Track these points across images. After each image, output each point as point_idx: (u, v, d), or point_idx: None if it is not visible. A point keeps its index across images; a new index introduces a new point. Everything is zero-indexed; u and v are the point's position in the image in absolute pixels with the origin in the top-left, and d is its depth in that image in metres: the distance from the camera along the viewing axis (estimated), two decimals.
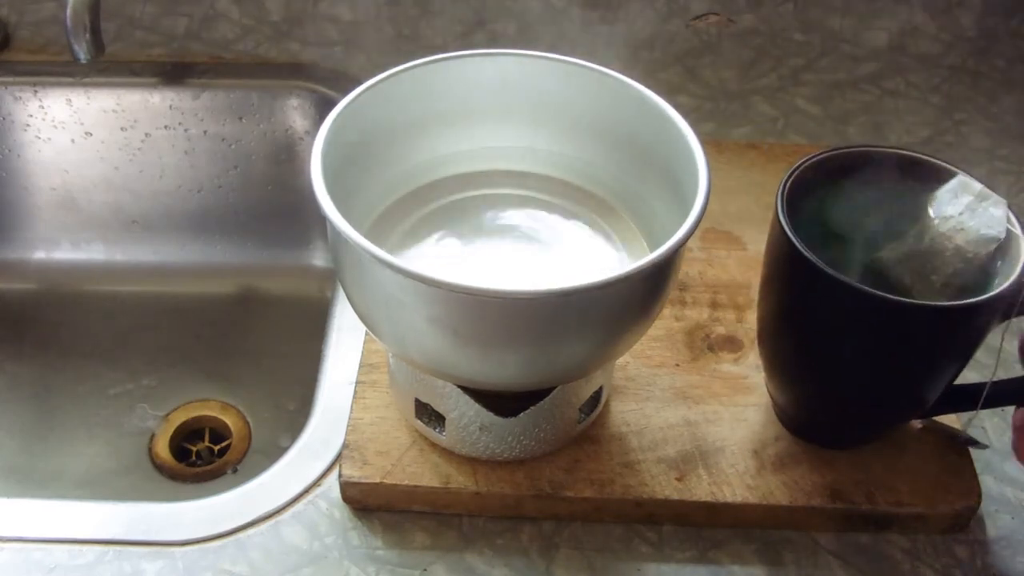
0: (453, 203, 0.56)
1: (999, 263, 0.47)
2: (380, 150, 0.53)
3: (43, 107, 0.79)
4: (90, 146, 0.80)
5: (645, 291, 0.46)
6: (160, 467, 0.72)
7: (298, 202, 0.81)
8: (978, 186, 0.47)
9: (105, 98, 0.78)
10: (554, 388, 0.51)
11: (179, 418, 0.75)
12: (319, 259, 0.83)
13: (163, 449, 0.73)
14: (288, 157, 0.80)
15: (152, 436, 0.74)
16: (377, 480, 0.52)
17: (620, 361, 0.58)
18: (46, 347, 0.79)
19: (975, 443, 0.54)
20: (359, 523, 0.53)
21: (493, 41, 0.82)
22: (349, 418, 0.55)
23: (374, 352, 0.58)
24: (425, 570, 0.51)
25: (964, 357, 0.49)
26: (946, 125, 0.79)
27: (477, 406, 0.51)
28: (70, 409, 0.75)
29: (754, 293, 0.62)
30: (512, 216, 0.55)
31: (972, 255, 0.46)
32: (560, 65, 0.53)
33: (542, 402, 0.51)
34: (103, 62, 0.73)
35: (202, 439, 0.75)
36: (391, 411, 0.55)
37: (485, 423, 0.51)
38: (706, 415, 0.56)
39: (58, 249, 0.83)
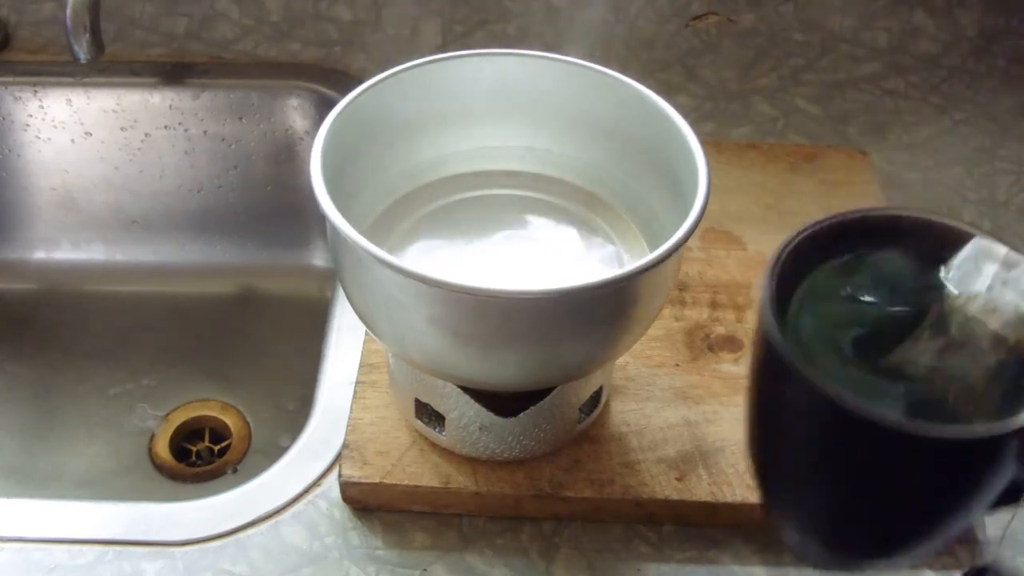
0: (453, 203, 0.56)
1: None
2: (380, 150, 0.53)
3: (43, 107, 0.79)
4: (90, 146, 0.80)
5: (645, 291, 0.46)
6: (160, 467, 0.72)
7: (298, 202, 0.81)
8: (1002, 249, 0.37)
9: (105, 98, 0.78)
10: (554, 388, 0.51)
11: (179, 418, 0.75)
12: (319, 259, 0.83)
13: (163, 449, 0.73)
14: (288, 157, 0.80)
15: (152, 436, 0.74)
16: (377, 480, 0.52)
17: (620, 361, 0.58)
18: (46, 347, 0.79)
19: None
20: (359, 523, 0.53)
21: (493, 41, 0.82)
22: (349, 418, 0.55)
23: (374, 352, 0.58)
24: (425, 570, 0.51)
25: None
26: (946, 125, 0.79)
27: (477, 406, 0.51)
28: (70, 409, 0.75)
29: (755, 293, 0.62)
30: (512, 216, 0.55)
31: (1015, 341, 0.35)
32: (560, 65, 0.53)
33: (542, 402, 0.51)
34: (103, 62, 0.73)
35: (202, 439, 0.75)
36: (391, 411, 0.55)
37: (485, 423, 0.51)
38: (706, 415, 0.56)
39: (58, 249, 0.83)
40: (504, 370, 0.47)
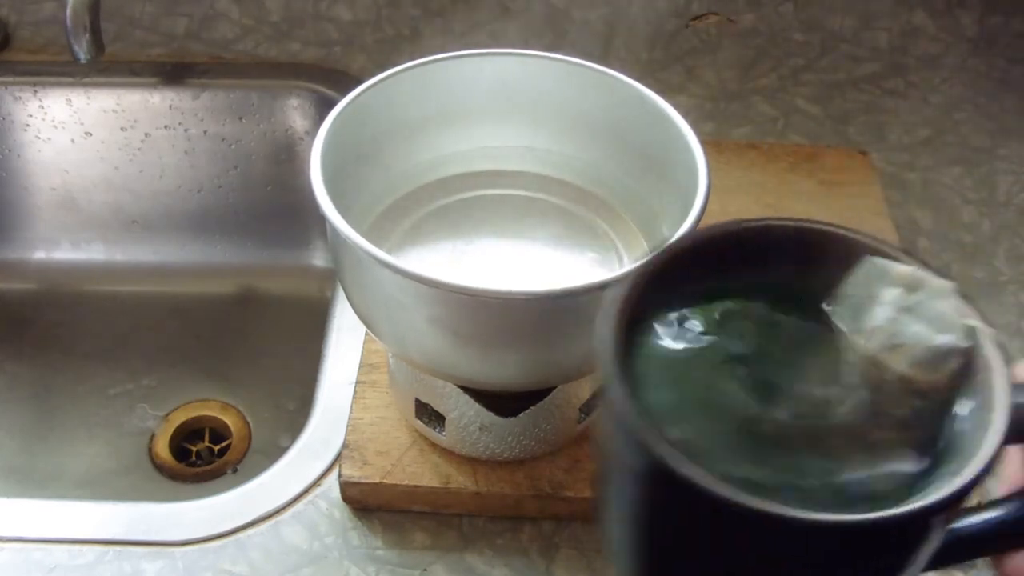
0: (453, 203, 0.56)
1: (969, 390, 0.28)
2: (380, 150, 0.53)
3: (43, 107, 0.79)
4: (90, 146, 0.80)
5: None
6: (160, 467, 0.72)
7: (298, 202, 0.81)
8: (902, 268, 0.28)
9: (105, 98, 0.78)
10: (554, 388, 0.51)
11: (179, 418, 0.75)
12: (319, 259, 0.83)
13: (163, 449, 0.73)
14: (288, 157, 0.80)
15: (152, 436, 0.74)
16: (377, 480, 0.52)
17: None
18: (46, 347, 0.79)
19: None
20: (359, 523, 0.53)
21: (493, 41, 0.82)
22: (349, 418, 0.55)
23: (374, 352, 0.58)
24: (425, 570, 0.51)
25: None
26: (946, 125, 0.79)
27: (477, 406, 0.51)
28: (70, 409, 0.75)
29: None
30: (512, 216, 0.55)
31: (927, 383, 0.28)
32: (560, 65, 0.53)
33: (542, 402, 0.51)
34: (103, 62, 0.73)
35: (202, 439, 0.75)
36: (391, 411, 0.55)
37: (485, 423, 0.51)
38: None
39: (58, 249, 0.83)
40: (504, 370, 0.47)
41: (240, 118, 0.79)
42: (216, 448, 0.74)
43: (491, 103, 0.55)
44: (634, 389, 0.27)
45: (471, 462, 0.53)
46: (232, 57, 0.81)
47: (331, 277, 0.78)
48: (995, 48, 0.84)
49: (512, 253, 0.53)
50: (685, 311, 0.30)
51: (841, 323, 0.29)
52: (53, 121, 0.79)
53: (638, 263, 0.30)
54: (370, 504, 0.53)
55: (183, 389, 0.77)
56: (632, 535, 0.30)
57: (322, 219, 0.45)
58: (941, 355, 0.27)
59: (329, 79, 0.79)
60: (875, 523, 0.24)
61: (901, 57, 0.83)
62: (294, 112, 0.79)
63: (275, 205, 0.82)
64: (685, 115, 0.50)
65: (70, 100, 0.78)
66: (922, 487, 0.26)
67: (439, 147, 0.56)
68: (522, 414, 0.51)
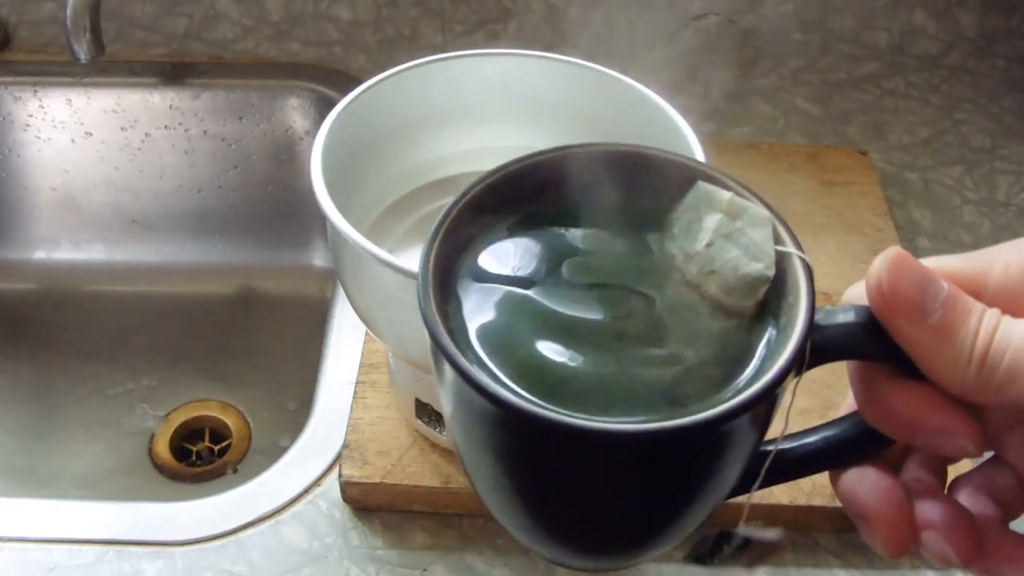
0: None
1: (778, 312, 0.29)
2: (380, 150, 0.53)
3: (43, 107, 0.79)
4: (90, 146, 0.80)
5: None
6: (160, 467, 0.72)
7: (298, 202, 0.81)
8: (726, 194, 0.29)
9: (105, 98, 0.78)
10: None
11: (179, 418, 0.75)
12: (319, 259, 0.83)
13: (163, 449, 0.73)
14: (288, 157, 0.80)
15: (152, 436, 0.74)
16: (377, 480, 0.52)
17: None
18: (46, 347, 0.79)
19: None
20: (359, 523, 0.53)
21: (493, 41, 0.82)
22: (349, 418, 0.55)
23: (374, 352, 0.58)
24: (425, 570, 0.51)
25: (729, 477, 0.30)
26: (946, 125, 0.79)
27: None
28: (70, 409, 0.75)
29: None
30: None
31: (736, 307, 0.29)
32: (560, 65, 0.53)
33: None
34: (103, 62, 0.73)
35: (202, 439, 0.75)
36: (391, 411, 0.55)
37: None
38: None
39: (58, 249, 0.83)
40: None
41: (240, 118, 0.79)
42: (216, 448, 0.74)
43: (491, 103, 0.55)
44: (449, 312, 0.30)
45: None
46: (232, 57, 0.81)
47: (331, 277, 0.78)
48: (995, 48, 0.84)
49: None
50: (510, 234, 0.31)
51: (671, 244, 0.30)
52: (53, 121, 0.79)
53: (461, 193, 0.31)
54: (370, 504, 0.53)
55: (183, 389, 0.77)
56: (469, 454, 0.31)
57: (322, 219, 0.45)
58: (750, 281, 0.29)
59: (329, 79, 0.79)
60: (662, 431, 0.26)
61: (901, 57, 0.83)
62: (294, 112, 0.79)
63: (275, 205, 0.82)
64: (685, 115, 0.50)
65: (70, 100, 0.78)
66: (724, 402, 0.26)
67: (439, 147, 0.56)
68: None
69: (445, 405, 0.31)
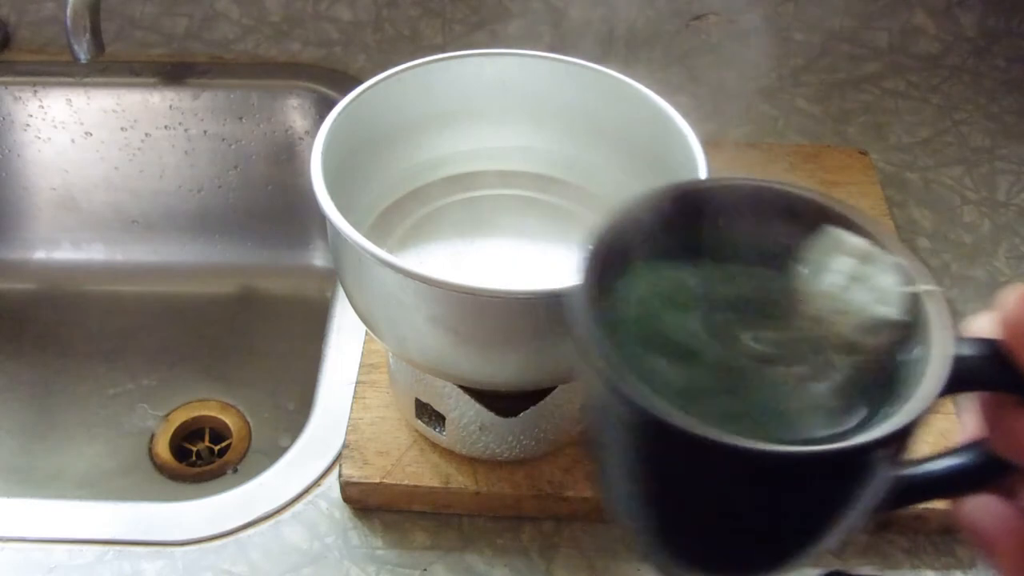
0: (453, 203, 0.56)
1: (910, 351, 0.30)
2: (380, 150, 0.53)
3: (43, 107, 0.79)
4: (90, 146, 0.80)
5: None
6: (160, 467, 0.72)
7: (298, 202, 0.81)
8: (859, 242, 0.31)
9: (105, 98, 0.78)
10: (554, 388, 0.51)
11: (179, 418, 0.75)
12: (319, 259, 0.83)
13: (163, 449, 0.73)
14: (288, 157, 0.80)
15: (152, 436, 0.74)
16: (377, 480, 0.52)
17: None
18: (46, 347, 0.79)
19: None
20: (359, 523, 0.53)
21: (493, 41, 0.82)
22: (349, 418, 0.55)
23: (374, 352, 0.58)
24: (425, 570, 0.51)
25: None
26: (946, 125, 0.79)
27: (477, 406, 0.51)
28: (70, 409, 0.75)
29: None
30: (512, 216, 0.55)
31: (867, 346, 0.30)
32: (560, 65, 0.53)
33: (542, 402, 0.51)
34: (103, 62, 0.73)
35: (202, 439, 0.75)
36: (391, 411, 0.55)
37: (485, 423, 0.51)
38: None
39: (58, 249, 0.83)
40: (504, 370, 0.46)
41: (240, 118, 0.79)
42: (216, 448, 0.74)
43: (491, 103, 0.55)
44: (604, 331, 0.30)
45: (471, 462, 0.53)
46: (232, 57, 0.81)
47: (331, 277, 0.78)
48: (995, 48, 0.84)
49: (512, 253, 0.53)
50: (656, 262, 0.33)
51: (802, 281, 0.31)
52: (53, 121, 0.79)
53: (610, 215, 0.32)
54: (370, 504, 0.53)
55: (183, 389, 0.77)
56: (613, 471, 0.32)
57: (322, 219, 0.45)
58: (879, 325, 0.30)
59: (329, 79, 0.79)
60: (822, 454, 0.27)
61: (901, 57, 0.83)
62: (294, 112, 0.79)
63: (275, 205, 0.82)
64: (685, 115, 0.50)
65: (70, 100, 0.78)
66: (865, 431, 0.28)
67: (439, 147, 0.56)
68: (522, 414, 0.51)
69: (591, 413, 0.32)
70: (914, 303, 0.30)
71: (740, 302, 0.32)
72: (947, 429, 0.52)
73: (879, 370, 0.30)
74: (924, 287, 0.30)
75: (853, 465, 0.28)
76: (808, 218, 0.32)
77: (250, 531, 0.53)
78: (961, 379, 0.28)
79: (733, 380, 0.30)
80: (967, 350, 0.28)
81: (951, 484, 0.32)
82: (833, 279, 0.31)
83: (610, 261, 0.31)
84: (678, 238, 0.33)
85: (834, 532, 0.30)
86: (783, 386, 0.30)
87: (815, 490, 0.28)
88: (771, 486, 0.28)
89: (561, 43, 0.82)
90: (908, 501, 0.32)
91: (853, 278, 0.31)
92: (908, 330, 0.30)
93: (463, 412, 0.51)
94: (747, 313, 0.32)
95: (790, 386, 0.30)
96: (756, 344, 0.31)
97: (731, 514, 0.30)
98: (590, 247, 0.31)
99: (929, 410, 0.27)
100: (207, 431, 0.75)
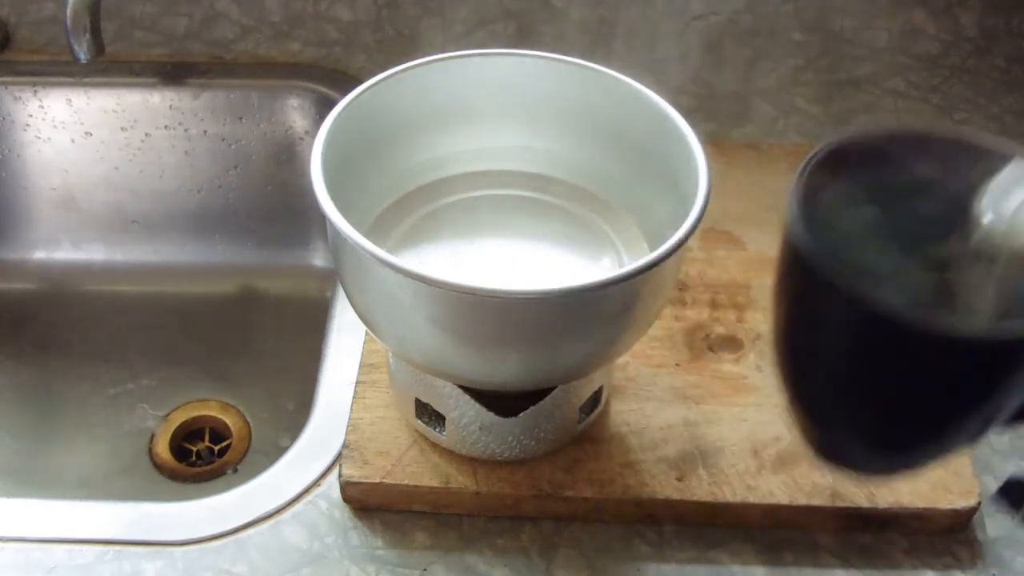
0: (453, 203, 0.56)
1: None
2: (380, 150, 0.53)
3: (43, 107, 0.79)
4: (90, 146, 0.80)
5: (645, 291, 0.46)
6: (160, 467, 0.72)
7: (298, 202, 0.81)
8: None
9: (105, 98, 0.78)
10: (554, 388, 0.51)
11: (179, 418, 0.75)
12: (319, 259, 0.83)
13: (163, 449, 0.73)
14: (288, 157, 0.80)
15: (152, 436, 0.74)
16: (377, 480, 0.52)
17: (620, 361, 0.58)
18: (46, 347, 0.79)
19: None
20: (359, 523, 0.53)
21: (493, 41, 0.82)
22: (349, 418, 0.55)
23: (374, 352, 0.58)
24: (425, 570, 0.51)
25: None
26: (946, 125, 0.79)
27: (477, 406, 0.51)
28: (70, 409, 0.75)
29: (755, 293, 0.62)
30: (512, 216, 0.55)
31: None
32: (560, 65, 0.53)
33: (542, 402, 0.51)
34: (103, 62, 0.73)
35: (202, 439, 0.75)
36: (391, 411, 0.55)
37: (485, 423, 0.51)
38: (706, 415, 0.56)
39: (58, 249, 0.83)
40: (504, 370, 0.47)
41: (240, 118, 0.79)
42: (216, 448, 0.74)
43: (491, 103, 0.55)
44: (812, 227, 0.37)
45: (471, 462, 0.53)
46: (232, 57, 0.81)
47: (331, 277, 0.78)
48: (995, 48, 0.84)
49: (512, 253, 0.53)
50: (856, 187, 0.39)
51: (982, 206, 0.37)
52: (53, 121, 0.79)
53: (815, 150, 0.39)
54: (370, 504, 0.53)
55: (183, 389, 0.77)
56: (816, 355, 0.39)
57: (322, 219, 0.45)
58: None
59: (329, 79, 0.79)
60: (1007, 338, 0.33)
61: (901, 57, 0.83)
62: (294, 112, 0.79)
63: (275, 205, 0.82)
64: (685, 115, 0.50)
65: (70, 100, 0.78)
66: None
67: (439, 147, 0.56)
68: (522, 414, 0.51)
69: (801, 307, 0.39)
70: None
71: (928, 220, 0.38)
72: None
73: None
74: None
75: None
76: (991, 158, 0.38)
77: (250, 531, 0.53)
78: None
79: (914, 280, 0.37)
80: None
81: None
82: (1012, 204, 0.36)
83: (822, 177, 0.38)
84: (881, 170, 0.39)
85: (1001, 414, 0.36)
86: (955, 288, 0.36)
87: (991, 370, 0.34)
88: (963, 365, 0.34)
89: (561, 43, 0.82)
90: None
91: None
92: None
93: (463, 412, 0.51)
94: (933, 229, 0.37)
95: (961, 289, 0.36)
96: (937, 253, 0.37)
97: (922, 391, 0.36)
98: (807, 164, 0.39)
99: None
100: (207, 431, 0.75)
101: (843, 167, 0.40)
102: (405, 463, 0.53)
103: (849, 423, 0.41)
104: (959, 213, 0.38)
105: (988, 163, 0.38)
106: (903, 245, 0.38)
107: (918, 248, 0.38)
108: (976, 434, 0.38)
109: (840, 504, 0.52)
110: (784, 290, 0.39)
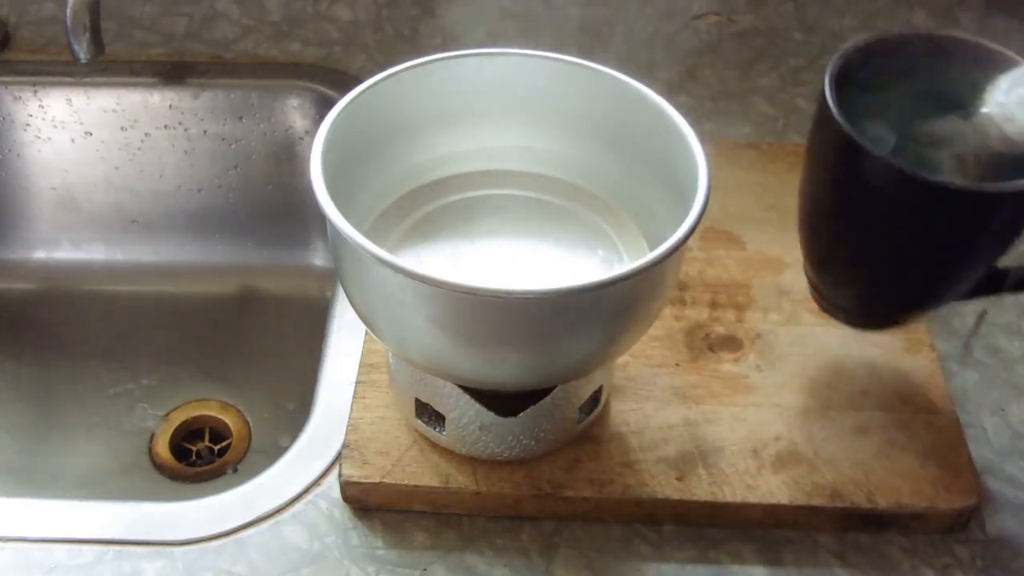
0: (453, 203, 0.56)
1: None
2: (380, 150, 0.53)
3: (43, 107, 0.79)
4: (90, 146, 0.80)
5: (645, 291, 0.46)
6: (160, 467, 0.72)
7: (298, 202, 0.81)
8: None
9: (105, 98, 0.78)
10: (554, 388, 0.51)
11: (179, 418, 0.75)
12: (319, 259, 0.83)
13: (163, 449, 0.73)
14: (288, 157, 0.80)
15: (152, 436, 0.74)
16: (377, 480, 0.52)
17: (620, 361, 0.58)
18: (46, 347, 0.79)
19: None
20: (359, 523, 0.53)
21: (493, 41, 0.82)
22: (349, 418, 0.55)
23: (374, 352, 0.58)
24: (425, 570, 0.51)
25: (998, 244, 0.48)
26: None
27: (477, 406, 0.51)
28: (70, 409, 0.75)
29: (755, 293, 0.62)
30: (512, 216, 0.55)
31: (1017, 144, 0.45)
32: (560, 65, 0.53)
33: (542, 402, 0.51)
34: (103, 62, 0.73)
35: (202, 439, 0.75)
36: (391, 411, 0.55)
37: (485, 423, 0.51)
38: (706, 415, 0.56)
39: (58, 249, 0.83)
40: (504, 370, 0.47)
41: (240, 118, 0.79)
42: (216, 448, 0.74)
43: (491, 103, 0.55)
44: (842, 106, 0.47)
45: (471, 462, 0.53)
46: (232, 57, 0.81)
47: (331, 277, 0.78)
48: None
49: (512, 253, 0.53)
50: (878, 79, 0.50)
51: (985, 96, 0.47)
52: (53, 121, 0.79)
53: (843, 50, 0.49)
54: (370, 504, 0.53)
55: (183, 389, 0.77)
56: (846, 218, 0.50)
57: (322, 219, 0.45)
58: None
59: (329, 79, 0.79)
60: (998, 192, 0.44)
61: None
62: (294, 112, 0.79)
63: (275, 205, 0.82)
64: (685, 115, 0.50)
65: (70, 100, 0.78)
66: None
67: (439, 147, 0.56)
68: (522, 414, 0.51)
69: (820, 171, 0.51)
70: None
71: (936, 105, 0.49)
72: None
73: (1017, 162, 0.45)
74: None
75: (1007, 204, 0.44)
76: (999, 60, 0.48)
77: (250, 531, 0.53)
78: None
79: (912, 152, 0.47)
80: None
81: None
82: (1012, 97, 0.46)
83: (846, 69, 0.48)
84: (901, 69, 0.50)
85: (980, 261, 0.48)
86: (945, 161, 0.47)
87: (996, 219, 0.46)
88: (978, 215, 0.45)
89: (561, 43, 0.82)
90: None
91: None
92: None
93: (463, 412, 0.51)
94: (939, 112, 0.48)
95: (950, 161, 0.47)
96: (935, 131, 0.48)
97: (927, 243, 0.47)
98: (837, 60, 0.48)
99: None
100: (207, 431, 0.75)
101: (868, 61, 0.50)
102: (405, 463, 0.53)
103: (858, 271, 0.52)
104: (963, 103, 0.48)
105: (996, 63, 0.48)
106: (914, 121, 0.49)
107: (924, 123, 0.49)
108: (957, 279, 0.49)
109: (840, 504, 0.52)
110: (816, 160, 0.51)
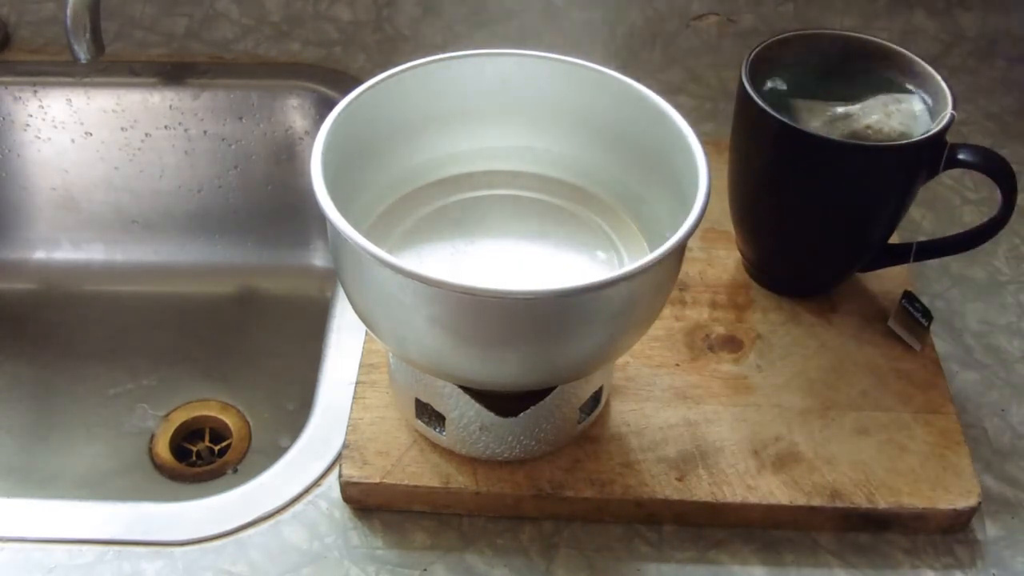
0: (453, 203, 0.56)
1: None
2: (380, 150, 0.53)
3: (43, 107, 0.79)
4: (90, 146, 0.80)
5: (645, 291, 0.46)
6: (160, 467, 0.72)
7: (298, 202, 0.81)
8: (907, 97, 0.58)
9: (105, 98, 0.78)
10: (554, 388, 0.51)
11: (179, 418, 0.75)
12: (319, 259, 0.83)
13: (163, 449, 0.73)
14: (288, 157, 0.80)
15: (152, 436, 0.74)
16: (377, 480, 0.52)
17: (620, 361, 0.58)
18: (46, 347, 0.79)
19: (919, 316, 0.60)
20: (359, 523, 0.53)
21: (493, 41, 0.82)
22: (349, 418, 0.55)
23: (374, 352, 0.58)
24: (425, 570, 0.51)
25: (895, 200, 0.57)
26: None
27: (477, 406, 0.51)
28: (70, 409, 0.75)
29: (754, 293, 0.62)
30: (512, 216, 0.55)
31: (880, 137, 0.56)
32: (560, 65, 0.53)
33: (542, 402, 0.51)
34: (103, 62, 0.73)
35: (202, 439, 0.75)
36: (391, 411, 0.55)
37: (485, 423, 0.51)
38: (706, 415, 0.56)
39: (58, 249, 0.83)
40: (504, 370, 0.47)
41: (240, 118, 0.79)
42: (216, 448, 0.74)
43: (491, 103, 0.55)
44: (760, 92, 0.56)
45: (471, 462, 0.53)
46: (232, 57, 0.81)
47: (331, 277, 0.78)
48: (995, 48, 0.84)
49: (512, 253, 0.53)
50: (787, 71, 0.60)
51: (860, 109, 0.57)
52: (53, 121, 0.79)
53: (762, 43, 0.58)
54: (370, 504, 0.53)
55: (183, 389, 0.77)
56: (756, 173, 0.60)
57: (322, 219, 0.45)
58: (901, 136, 0.56)
59: (329, 79, 0.79)
60: (892, 146, 0.55)
61: None
62: (294, 112, 0.79)
63: (275, 205, 0.82)
64: (685, 115, 0.50)
65: (70, 100, 0.78)
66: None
67: (439, 147, 0.56)
68: (522, 414, 0.51)
69: (750, 139, 0.59)
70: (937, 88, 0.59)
71: (830, 92, 0.58)
72: None
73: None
74: (937, 127, 0.55)
75: (907, 155, 0.55)
76: (879, 58, 0.60)
77: (250, 531, 0.53)
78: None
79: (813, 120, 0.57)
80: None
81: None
82: (878, 115, 0.56)
83: (761, 63, 0.58)
84: (808, 63, 0.60)
85: (880, 211, 0.58)
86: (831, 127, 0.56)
87: (882, 171, 0.55)
88: (871, 168, 0.55)
89: (561, 43, 0.82)
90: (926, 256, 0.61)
91: (887, 115, 0.56)
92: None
93: (463, 412, 0.51)
94: (832, 94, 0.58)
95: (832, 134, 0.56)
96: (835, 109, 0.57)
97: (822, 191, 0.57)
98: (751, 54, 0.57)
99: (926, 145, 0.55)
100: (207, 431, 0.75)
101: (778, 54, 0.59)
102: (405, 463, 0.53)
103: (775, 236, 0.61)
104: (849, 96, 0.58)
105: (890, 60, 0.60)
106: (808, 99, 0.58)
107: (816, 102, 0.58)
108: (852, 228, 0.58)
109: (840, 504, 0.52)
110: (738, 137, 0.59)
